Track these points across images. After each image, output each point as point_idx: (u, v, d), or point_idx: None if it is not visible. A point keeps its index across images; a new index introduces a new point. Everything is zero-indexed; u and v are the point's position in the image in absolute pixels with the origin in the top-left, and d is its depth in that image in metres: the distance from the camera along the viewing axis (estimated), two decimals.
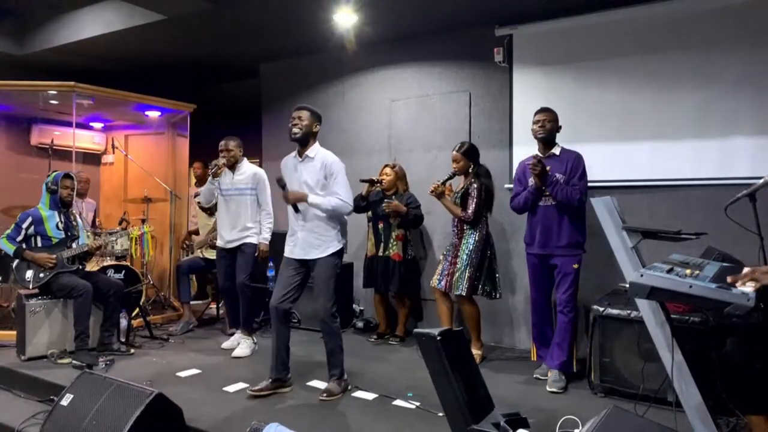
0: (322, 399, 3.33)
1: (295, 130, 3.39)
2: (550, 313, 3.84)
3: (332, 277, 3.41)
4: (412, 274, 4.75)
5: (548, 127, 3.64)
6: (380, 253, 4.65)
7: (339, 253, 3.48)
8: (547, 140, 3.67)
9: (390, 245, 4.62)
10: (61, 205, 4.31)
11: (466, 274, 3.99)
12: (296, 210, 3.41)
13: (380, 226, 4.65)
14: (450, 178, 4.12)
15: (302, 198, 3.37)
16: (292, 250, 3.49)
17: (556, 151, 3.68)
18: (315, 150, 3.46)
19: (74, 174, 4.53)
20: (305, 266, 3.47)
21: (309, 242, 3.43)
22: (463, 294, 4.00)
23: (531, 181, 3.64)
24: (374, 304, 4.92)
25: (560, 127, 3.70)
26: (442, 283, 4.09)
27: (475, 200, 3.97)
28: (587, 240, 3.68)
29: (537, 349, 3.91)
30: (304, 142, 3.44)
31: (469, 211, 3.98)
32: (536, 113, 3.71)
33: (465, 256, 4.01)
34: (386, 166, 4.76)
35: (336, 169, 3.42)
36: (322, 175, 3.40)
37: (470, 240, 4.03)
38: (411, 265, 4.72)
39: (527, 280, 3.99)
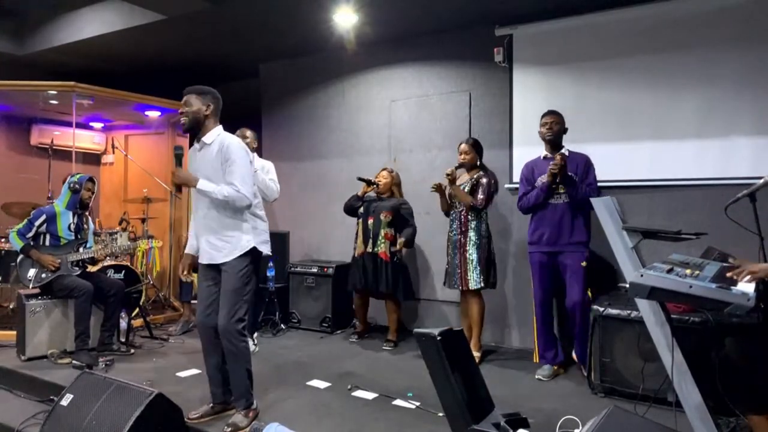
0: None
1: (183, 119, 2.93)
2: (552, 313, 3.91)
3: (240, 285, 2.89)
4: (401, 277, 4.55)
5: (555, 129, 3.76)
6: (369, 250, 4.56)
7: (249, 254, 2.94)
8: (554, 142, 3.78)
9: (378, 242, 4.53)
10: (79, 207, 4.33)
11: (479, 267, 4.03)
12: (178, 190, 2.89)
13: (370, 222, 4.58)
14: (458, 167, 4.16)
15: (189, 181, 2.86)
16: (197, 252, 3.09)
17: (565, 152, 3.75)
18: (214, 135, 2.94)
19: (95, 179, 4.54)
20: (218, 270, 2.96)
21: (212, 244, 2.94)
22: (480, 287, 4.04)
23: (541, 179, 3.70)
24: (355, 304, 4.84)
25: (566, 129, 3.80)
26: (458, 283, 4.09)
27: (485, 189, 4.04)
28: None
29: (541, 350, 3.89)
30: (196, 129, 2.94)
31: (480, 197, 4.01)
32: (543, 116, 3.80)
33: (473, 250, 4.04)
34: (384, 169, 4.74)
35: (233, 153, 2.85)
36: (218, 161, 2.87)
37: (476, 233, 4.06)
38: (399, 268, 4.55)
39: (528, 280, 4.00)
